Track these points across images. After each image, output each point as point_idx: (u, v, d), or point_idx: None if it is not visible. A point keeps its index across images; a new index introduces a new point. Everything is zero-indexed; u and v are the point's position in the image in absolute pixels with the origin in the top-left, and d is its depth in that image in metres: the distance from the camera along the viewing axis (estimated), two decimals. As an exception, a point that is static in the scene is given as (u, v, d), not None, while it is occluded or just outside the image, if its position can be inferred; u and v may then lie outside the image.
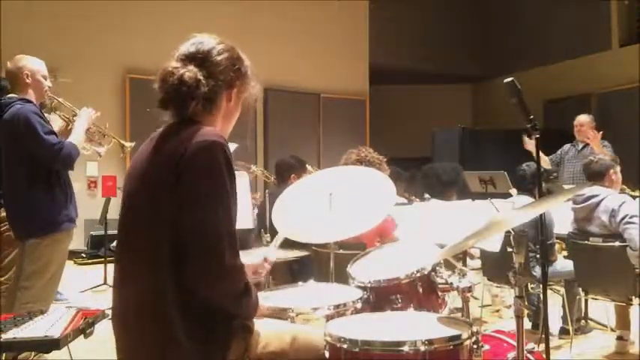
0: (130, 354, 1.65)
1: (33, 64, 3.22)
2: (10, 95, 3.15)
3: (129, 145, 3.71)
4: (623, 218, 3.46)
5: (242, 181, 3.24)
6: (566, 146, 6.19)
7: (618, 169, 3.82)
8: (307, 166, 4.23)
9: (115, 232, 1.76)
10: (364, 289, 2.13)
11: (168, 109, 1.68)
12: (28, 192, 3.06)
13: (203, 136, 1.58)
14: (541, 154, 5.85)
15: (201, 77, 1.64)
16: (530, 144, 5.74)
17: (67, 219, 3.15)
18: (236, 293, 1.60)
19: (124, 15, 8.42)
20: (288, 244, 3.32)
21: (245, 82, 1.78)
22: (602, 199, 3.60)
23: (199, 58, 1.68)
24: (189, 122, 1.65)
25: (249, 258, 2.01)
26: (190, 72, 1.63)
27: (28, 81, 3.17)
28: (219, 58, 1.70)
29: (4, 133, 3.06)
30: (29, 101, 3.12)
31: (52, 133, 3.11)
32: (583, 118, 6.06)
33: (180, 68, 1.64)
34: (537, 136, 2.10)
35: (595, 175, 3.77)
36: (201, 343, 1.57)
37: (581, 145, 6.04)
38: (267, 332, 1.73)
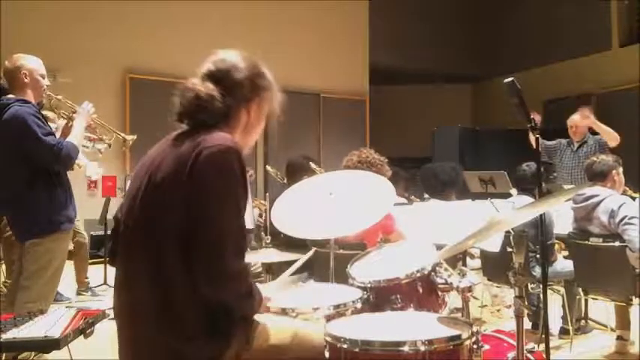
0: (135, 349, 1.66)
1: (31, 63, 3.19)
2: (8, 96, 3.12)
3: (130, 137, 3.69)
4: (622, 219, 3.45)
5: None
6: (563, 142, 6.09)
7: (620, 170, 3.81)
8: (311, 164, 4.23)
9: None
10: (364, 289, 2.13)
11: (183, 122, 1.74)
12: (29, 193, 3.05)
13: (219, 141, 1.62)
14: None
15: (216, 93, 1.71)
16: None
17: (67, 219, 3.15)
18: (240, 295, 1.64)
19: (124, 15, 8.42)
20: (289, 245, 3.33)
21: (265, 97, 1.84)
22: (602, 200, 3.59)
23: (218, 77, 1.75)
24: (205, 128, 1.68)
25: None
26: (206, 88, 1.71)
27: (26, 80, 3.15)
28: (238, 75, 1.77)
29: (3, 134, 3.06)
30: (27, 102, 3.11)
31: (51, 134, 3.11)
32: (577, 118, 5.95)
33: (198, 85, 1.72)
34: (537, 135, 2.10)
35: (597, 175, 3.76)
36: (205, 335, 1.59)
37: (576, 145, 5.96)
38: (269, 326, 1.75)
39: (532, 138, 5.53)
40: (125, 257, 1.70)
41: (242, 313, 1.68)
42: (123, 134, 3.69)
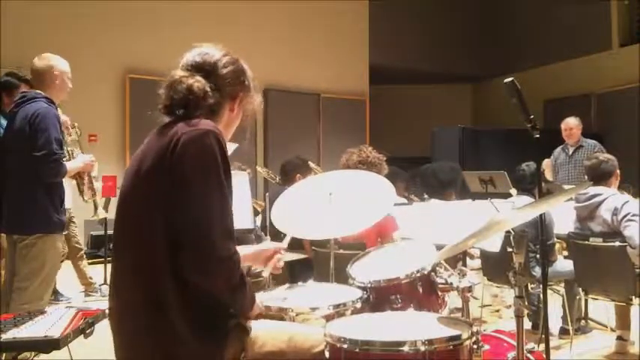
0: (129, 352, 1.65)
1: (62, 65, 3.30)
2: (37, 90, 3.21)
3: (102, 215, 3.95)
4: (625, 216, 3.46)
5: (242, 180, 3.23)
6: (557, 151, 6.12)
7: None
8: (310, 163, 4.23)
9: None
10: (364, 289, 2.13)
11: (171, 116, 1.70)
12: (34, 189, 3.07)
13: (197, 126, 1.60)
14: (546, 168, 6.04)
15: (209, 89, 1.68)
16: (547, 167, 5.88)
17: (61, 222, 3.19)
18: (230, 285, 1.60)
19: (124, 15, 8.42)
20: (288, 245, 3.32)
21: (248, 94, 1.82)
22: (606, 199, 3.60)
23: (206, 70, 1.72)
24: (186, 117, 1.66)
25: (257, 247, 2.03)
26: (199, 82, 1.67)
27: (56, 82, 3.25)
28: (225, 70, 1.74)
29: (23, 124, 3.08)
30: (53, 102, 3.20)
31: (60, 144, 3.17)
32: (572, 121, 5.91)
33: (189, 77, 1.67)
34: (537, 135, 2.10)
35: (605, 175, 3.73)
36: (199, 342, 1.57)
37: (571, 150, 5.93)
38: (264, 332, 1.73)
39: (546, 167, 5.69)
40: (115, 255, 1.69)
41: (233, 306, 1.65)
42: (99, 207, 3.85)
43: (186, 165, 1.55)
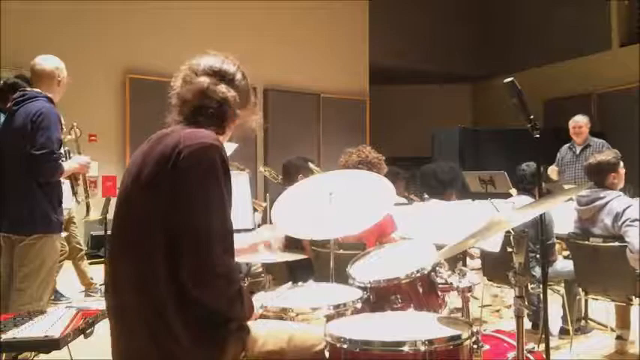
0: (127, 354, 1.64)
1: (63, 67, 3.33)
2: (37, 90, 3.21)
3: (93, 218, 4.00)
4: (625, 221, 3.44)
5: (242, 180, 3.23)
6: (563, 149, 6.07)
7: (621, 164, 3.75)
8: (310, 164, 4.22)
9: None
10: (364, 289, 2.13)
11: (184, 119, 1.70)
12: (33, 188, 3.06)
13: (200, 138, 1.60)
14: (552, 174, 6.05)
15: (238, 101, 1.70)
16: (554, 172, 5.89)
17: (59, 222, 3.19)
18: (228, 296, 1.60)
19: (124, 15, 8.41)
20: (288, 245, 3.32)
21: (252, 110, 1.84)
22: (608, 202, 3.56)
23: (228, 80, 1.73)
24: (191, 123, 1.66)
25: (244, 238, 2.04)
26: (232, 94, 1.69)
27: (60, 84, 3.29)
28: (242, 84, 1.76)
29: (25, 122, 3.07)
30: (53, 102, 3.19)
31: (60, 144, 3.16)
32: (580, 119, 5.83)
33: (218, 85, 1.69)
34: (537, 135, 2.10)
35: (604, 175, 3.68)
36: (199, 343, 1.57)
37: (579, 148, 5.86)
38: (265, 332, 1.73)
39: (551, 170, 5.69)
40: (113, 257, 1.69)
41: (231, 317, 1.65)
42: (90, 210, 3.86)
43: (187, 178, 1.55)
